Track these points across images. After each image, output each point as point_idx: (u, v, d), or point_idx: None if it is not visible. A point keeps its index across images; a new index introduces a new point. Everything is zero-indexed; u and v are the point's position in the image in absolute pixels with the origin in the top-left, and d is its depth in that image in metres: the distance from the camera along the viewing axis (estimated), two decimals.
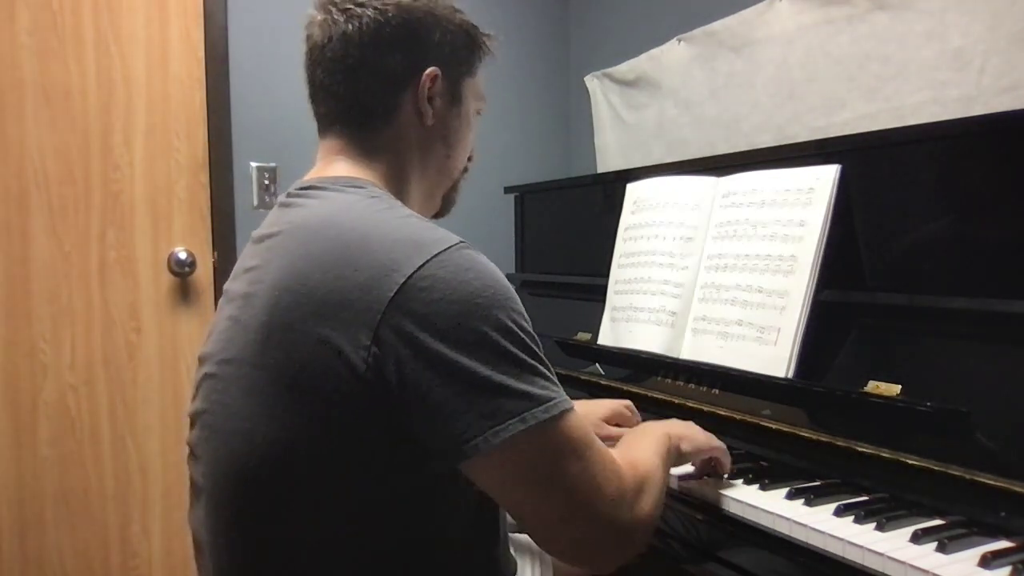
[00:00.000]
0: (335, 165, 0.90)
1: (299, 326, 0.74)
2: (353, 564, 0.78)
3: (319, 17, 0.89)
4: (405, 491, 0.78)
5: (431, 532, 0.81)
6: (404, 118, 0.90)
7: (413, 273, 0.72)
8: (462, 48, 0.94)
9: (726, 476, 1.06)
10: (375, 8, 0.86)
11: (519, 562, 1.04)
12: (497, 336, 0.73)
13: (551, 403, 0.74)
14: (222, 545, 0.83)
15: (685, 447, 0.98)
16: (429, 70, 0.89)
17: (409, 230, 0.78)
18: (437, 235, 0.77)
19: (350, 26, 0.86)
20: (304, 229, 0.81)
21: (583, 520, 0.76)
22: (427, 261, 0.73)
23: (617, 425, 1.22)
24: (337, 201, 0.84)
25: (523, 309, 0.77)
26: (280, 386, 0.75)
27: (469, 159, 1.01)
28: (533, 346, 0.76)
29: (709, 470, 1.07)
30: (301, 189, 0.88)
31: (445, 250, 0.74)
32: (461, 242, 0.77)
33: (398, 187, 0.92)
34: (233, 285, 0.88)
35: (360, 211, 0.82)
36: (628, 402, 1.24)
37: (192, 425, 0.90)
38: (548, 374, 0.76)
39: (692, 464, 1.06)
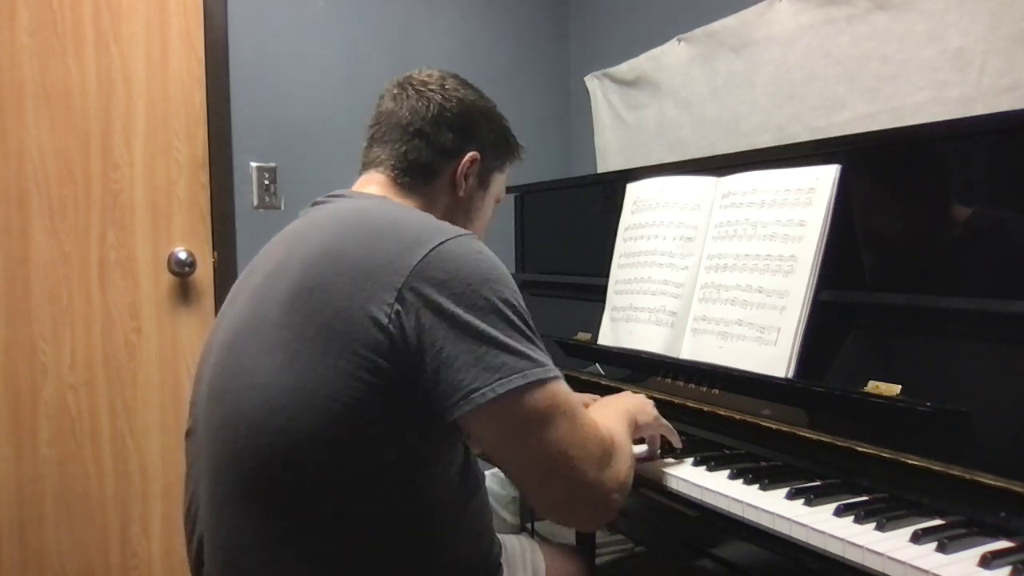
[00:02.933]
0: (368, 188, 1.04)
1: (328, 286, 0.82)
2: (349, 519, 0.83)
3: (395, 91, 1.07)
4: (405, 451, 0.84)
5: (422, 496, 0.86)
6: (441, 183, 1.06)
7: (435, 247, 0.83)
8: (500, 146, 1.12)
9: (680, 453, 1.13)
10: (443, 96, 1.05)
11: (511, 545, 1.12)
12: (504, 307, 0.83)
13: (548, 367, 0.84)
14: (227, 508, 0.86)
15: (641, 419, 1.08)
16: (472, 153, 1.06)
17: (431, 221, 0.91)
18: (454, 226, 0.90)
19: (419, 103, 1.05)
20: (335, 215, 0.93)
21: (569, 477, 0.84)
22: (447, 240, 0.85)
23: None
24: (366, 200, 0.99)
25: (522, 298, 0.88)
26: (304, 339, 0.82)
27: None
28: (531, 324, 0.87)
29: (663, 447, 1.14)
30: (330, 196, 1.01)
31: (461, 235, 0.87)
32: (474, 235, 0.89)
33: None
34: (252, 278, 0.95)
35: (388, 207, 0.96)
36: (591, 397, 1.29)
37: (193, 406, 0.96)
38: (543, 348, 0.87)
39: (647, 442, 1.15)
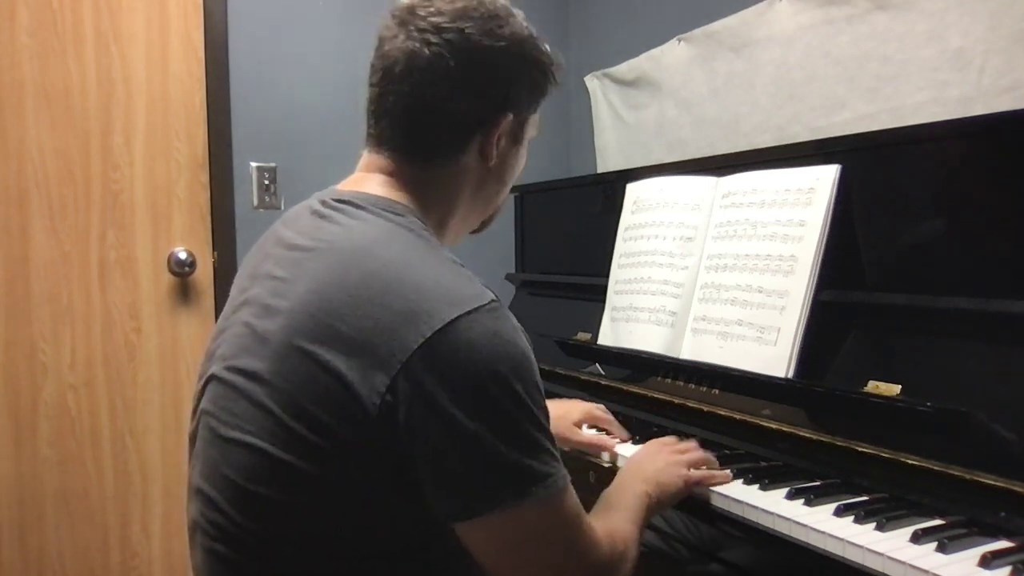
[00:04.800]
0: (374, 181, 0.88)
1: (319, 356, 0.73)
2: None
3: (401, 38, 0.84)
4: (395, 530, 0.78)
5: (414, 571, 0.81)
6: (468, 158, 0.88)
7: (442, 327, 0.72)
8: (537, 87, 0.92)
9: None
10: (465, 49, 0.83)
11: None
12: (510, 406, 0.73)
13: (549, 480, 0.75)
14: (217, 544, 0.83)
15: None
16: (504, 116, 0.88)
17: (445, 278, 0.77)
18: (472, 290, 0.76)
19: (438, 64, 0.82)
20: (340, 254, 0.79)
21: None
22: (457, 318, 0.72)
23: (592, 427, 1.25)
24: (377, 228, 0.82)
25: (539, 379, 0.77)
26: (289, 412, 0.75)
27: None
28: (542, 420, 0.76)
29: None
30: (338, 201, 0.85)
31: (476, 309, 0.74)
32: (493, 301, 0.76)
33: (440, 215, 0.90)
34: (253, 288, 0.85)
35: (399, 246, 0.80)
36: (601, 405, 1.27)
37: (194, 417, 0.90)
38: (551, 449, 0.77)
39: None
